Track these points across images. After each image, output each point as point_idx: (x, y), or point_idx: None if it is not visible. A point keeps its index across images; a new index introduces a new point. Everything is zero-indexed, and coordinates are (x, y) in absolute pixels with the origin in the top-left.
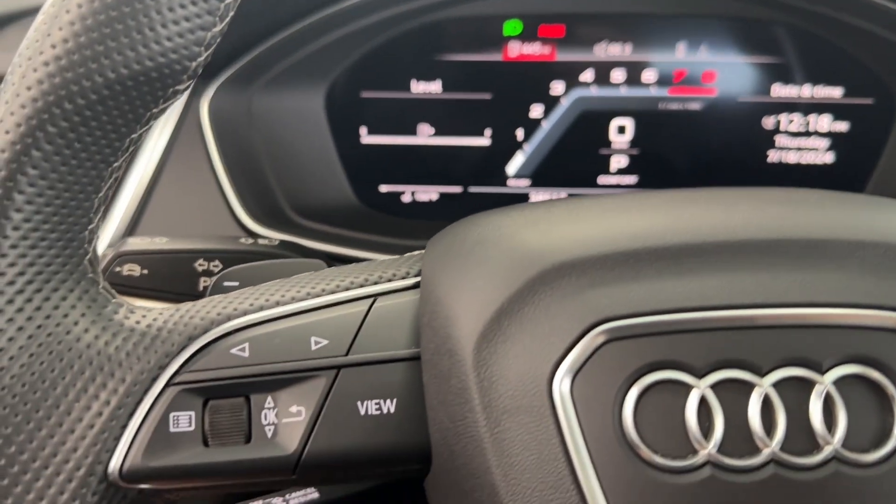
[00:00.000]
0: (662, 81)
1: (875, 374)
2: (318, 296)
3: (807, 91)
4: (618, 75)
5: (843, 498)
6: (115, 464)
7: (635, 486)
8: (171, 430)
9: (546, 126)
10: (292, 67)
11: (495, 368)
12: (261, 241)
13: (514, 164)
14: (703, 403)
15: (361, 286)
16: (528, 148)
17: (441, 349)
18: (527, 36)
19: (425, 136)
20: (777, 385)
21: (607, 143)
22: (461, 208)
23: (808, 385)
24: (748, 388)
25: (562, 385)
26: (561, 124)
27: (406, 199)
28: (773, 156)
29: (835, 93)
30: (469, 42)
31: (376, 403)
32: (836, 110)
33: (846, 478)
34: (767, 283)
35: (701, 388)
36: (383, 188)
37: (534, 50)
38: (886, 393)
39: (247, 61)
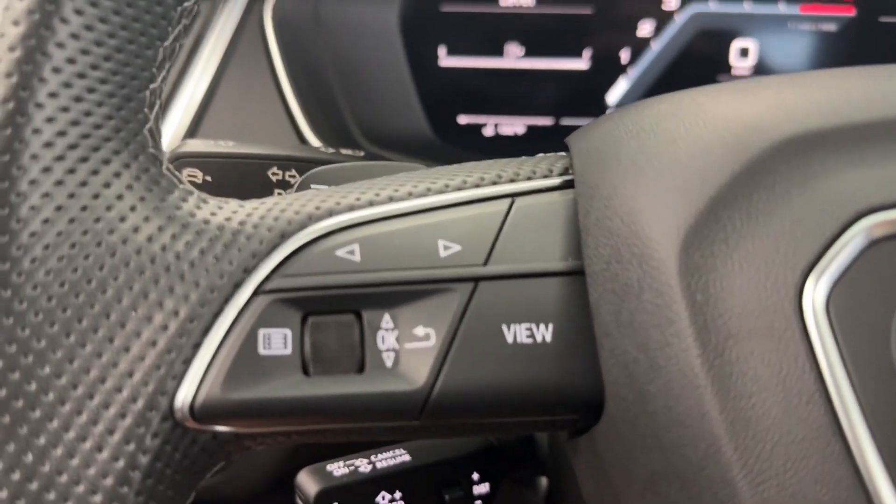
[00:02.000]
0: None
1: None
2: (440, 192)
3: None
4: None
5: None
6: (184, 395)
7: None
8: (261, 352)
9: (656, 47)
10: None
11: (714, 276)
12: (343, 151)
13: (617, 92)
14: None
15: (494, 183)
16: (634, 73)
17: (623, 255)
18: None
19: (514, 57)
20: None
21: (727, 68)
22: (551, 145)
23: None
24: None
25: (815, 298)
26: (674, 45)
27: (488, 132)
28: None
29: None
30: None
31: (527, 328)
32: None
33: None
34: None
35: None
36: (462, 119)
37: None
38: None
39: None
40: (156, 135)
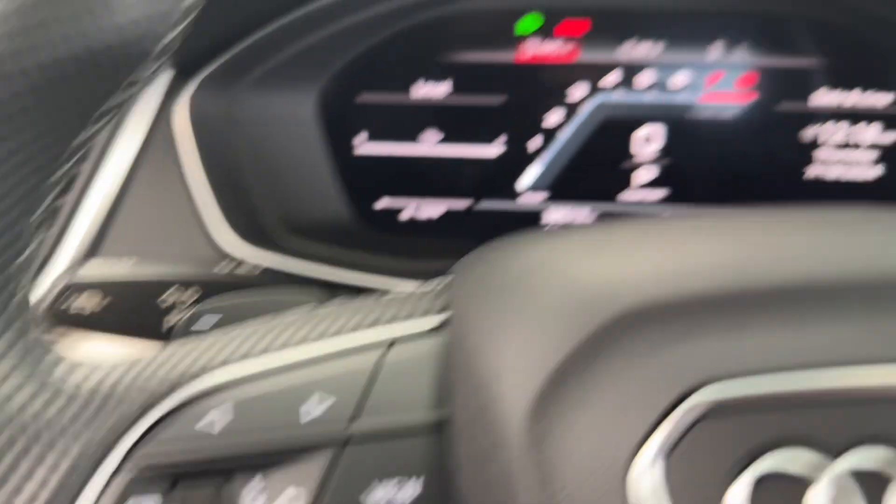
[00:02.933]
0: (693, 87)
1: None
2: (317, 339)
3: (851, 99)
4: (644, 79)
5: None
6: None
7: None
8: None
9: (564, 135)
10: (281, 65)
11: (555, 448)
12: (240, 271)
13: (529, 177)
14: (844, 492)
15: (371, 326)
16: (545, 159)
17: (479, 419)
18: (544, 34)
19: (430, 144)
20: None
21: (632, 155)
22: (469, 226)
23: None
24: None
25: (648, 473)
26: (581, 133)
27: (407, 214)
28: (813, 170)
29: (882, 100)
30: (480, 40)
31: (396, 483)
32: (885, 119)
33: None
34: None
35: (837, 472)
36: (382, 203)
37: (552, 50)
38: None
39: (230, 57)
40: (24, 306)
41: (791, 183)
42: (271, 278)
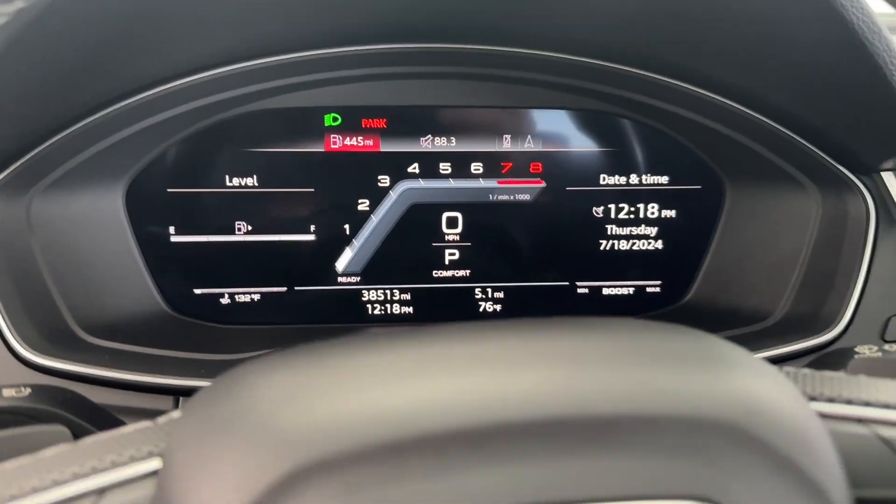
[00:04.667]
0: (490, 172)
1: None
2: (30, 494)
3: (635, 179)
4: (445, 167)
5: None
6: None
7: None
8: None
9: (374, 219)
10: (83, 165)
11: None
12: (6, 392)
13: (343, 261)
14: None
15: (86, 477)
16: (357, 243)
17: None
18: (348, 127)
19: (243, 233)
20: None
21: (440, 236)
22: (287, 310)
23: None
24: None
25: None
26: (390, 217)
27: (224, 301)
28: (605, 244)
29: (662, 180)
30: (287, 133)
31: None
32: (665, 197)
33: None
34: (529, 477)
35: None
36: (198, 291)
37: (357, 141)
38: None
39: (23, 163)
40: None
41: (584, 257)
42: (41, 397)
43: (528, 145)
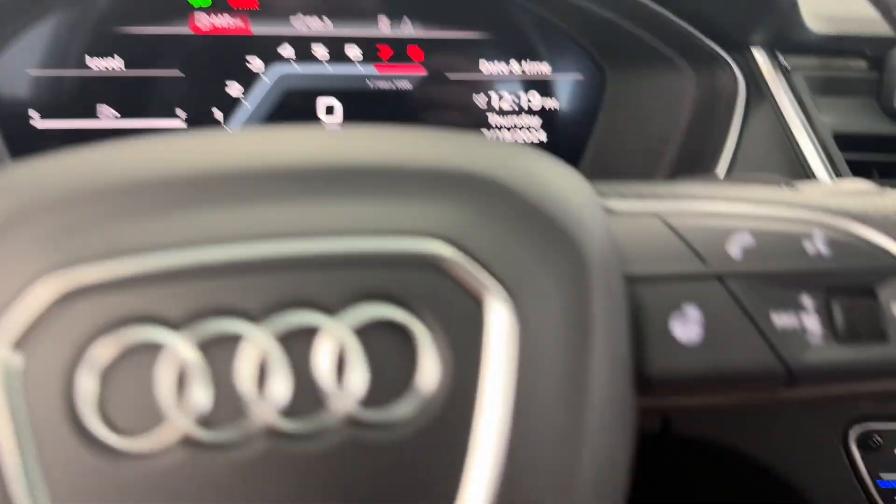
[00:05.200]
0: (368, 58)
1: (396, 315)
2: None
3: (516, 67)
4: (320, 51)
5: (354, 468)
6: None
7: (86, 478)
8: None
9: (248, 105)
10: None
11: None
12: None
13: None
14: (189, 365)
15: None
16: (230, 130)
17: None
18: (217, 7)
19: (109, 118)
20: (279, 336)
21: (315, 124)
22: None
23: (314, 333)
24: (237, 342)
25: (7, 357)
26: (264, 103)
27: None
28: (488, 135)
29: (543, 69)
30: (152, 13)
31: None
32: (546, 87)
33: (359, 445)
34: (260, 216)
35: (180, 345)
36: None
37: (226, 22)
38: (411, 337)
39: None
40: None
41: None
42: None
43: (407, 29)
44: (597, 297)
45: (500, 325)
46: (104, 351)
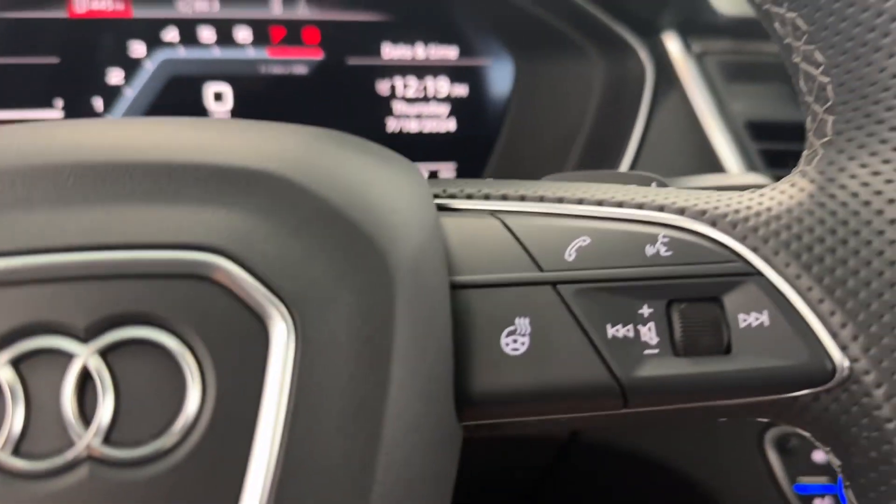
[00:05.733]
0: (260, 41)
1: (154, 336)
2: None
3: (420, 52)
4: (207, 34)
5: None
6: None
7: None
8: None
9: (130, 93)
10: None
11: None
12: None
13: None
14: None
15: None
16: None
17: None
18: None
19: None
20: (16, 362)
21: (204, 112)
22: None
23: (62, 359)
24: None
25: None
26: (148, 91)
27: None
28: (392, 124)
29: (450, 53)
30: None
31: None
32: (454, 73)
33: (108, 482)
34: None
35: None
36: None
37: (104, 5)
38: (173, 357)
39: None
40: None
41: (373, 137)
42: None
43: (301, 10)
44: (403, 310)
45: (279, 345)
46: None
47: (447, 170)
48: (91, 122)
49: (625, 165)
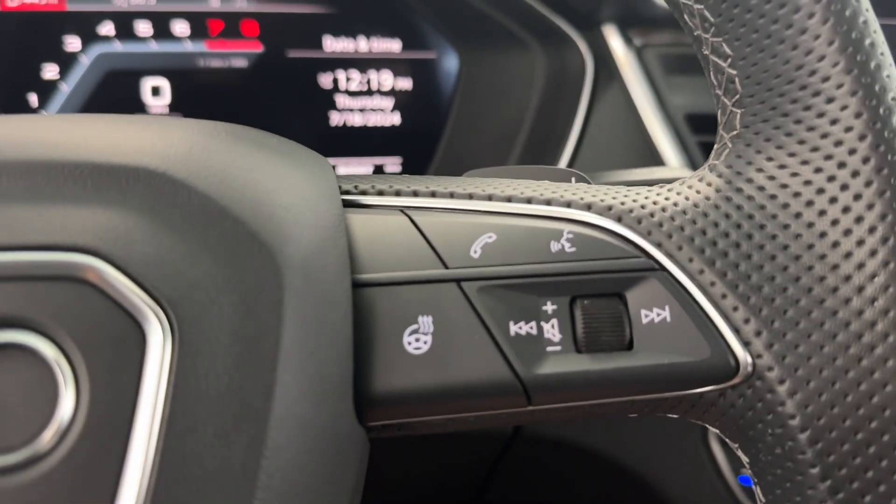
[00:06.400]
0: (197, 34)
1: (27, 340)
2: None
3: (363, 44)
4: (144, 27)
5: None
6: None
7: None
8: None
9: (66, 89)
10: None
11: None
12: None
13: None
14: None
15: None
16: (47, 115)
17: None
18: None
19: None
20: None
21: (142, 107)
22: None
23: None
24: None
25: None
26: (84, 86)
27: None
28: (336, 118)
29: (394, 46)
30: None
31: None
32: (397, 66)
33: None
34: None
35: None
36: None
37: None
38: (46, 361)
39: None
40: None
41: (314, 134)
42: None
43: (240, 3)
44: (292, 310)
45: (155, 349)
46: None
47: (393, 164)
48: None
49: (565, 158)
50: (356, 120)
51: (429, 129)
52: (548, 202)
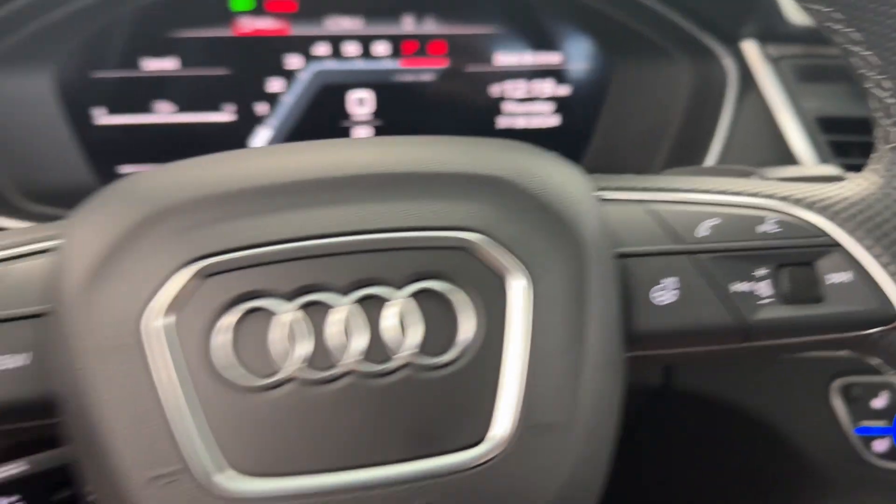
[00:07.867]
0: (394, 54)
1: (442, 287)
2: None
3: (528, 58)
4: (351, 48)
5: (415, 397)
6: None
7: (225, 406)
8: None
9: (288, 100)
10: (12, 48)
11: (94, 310)
12: None
13: (259, 139)
14: (295, 325)
15: None
16: (273, 122)
17: (52, 296)
18: (257, 11)
19: (164, 113)
20: (359, 303)
21: (347, 116)
22: None
23: (384, 301)
24: (328, 308)
25: (155, 322)
26: (303, 98)
27: None
28: (502, 122)
29: (554, 59)
30: (198, 18)
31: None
32: (556, 76)
33: (417, 380)
34: (342, 215)
35: (287, 311)
36: (124, 168)
37: (266, 25)
38: (453, 303)
39: None
40: None
41: (483, 134)
42: None
43: (429, 26)
44: (592, 271)
45: (519, 293)
46: (232, 317)
47: None
48: (374, 143)
49: (711, 159)
50: (520, 123)
51: (582, 130)
52: (754, 195)
